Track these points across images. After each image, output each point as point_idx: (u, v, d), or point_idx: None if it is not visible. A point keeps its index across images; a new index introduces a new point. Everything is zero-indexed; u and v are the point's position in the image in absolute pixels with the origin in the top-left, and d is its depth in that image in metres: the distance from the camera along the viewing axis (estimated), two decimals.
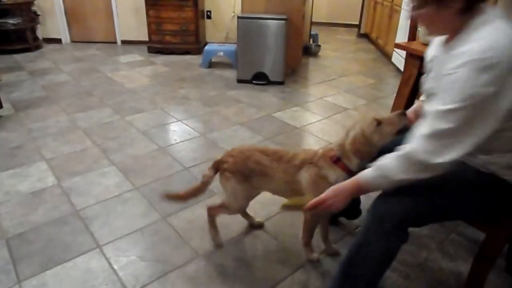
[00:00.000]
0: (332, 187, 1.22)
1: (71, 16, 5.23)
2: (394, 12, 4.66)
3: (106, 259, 1.64)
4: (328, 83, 4.01)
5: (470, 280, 1.36)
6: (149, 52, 4.93)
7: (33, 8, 4.92)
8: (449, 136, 1.00)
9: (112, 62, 4.57)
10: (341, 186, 1.20)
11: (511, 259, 1.60)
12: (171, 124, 2.97)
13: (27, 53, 4.74)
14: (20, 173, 2.24)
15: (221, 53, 4.35)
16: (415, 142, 1.05)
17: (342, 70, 4.53)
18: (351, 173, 1.36)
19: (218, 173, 1.61)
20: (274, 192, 1.64)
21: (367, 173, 1.15)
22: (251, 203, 2.03)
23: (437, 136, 1.02)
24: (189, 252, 1.69)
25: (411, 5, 1.09)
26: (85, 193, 2.06)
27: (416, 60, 1.87)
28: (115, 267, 1.60)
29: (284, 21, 3.60)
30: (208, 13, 5.16)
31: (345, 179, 1.28)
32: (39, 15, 5.00)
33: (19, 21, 4.67)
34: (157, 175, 2.24)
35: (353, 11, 6.59)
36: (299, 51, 4.42)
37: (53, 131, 2.78)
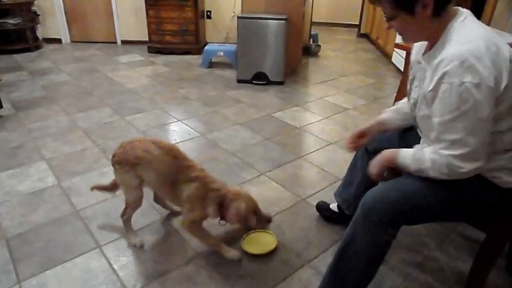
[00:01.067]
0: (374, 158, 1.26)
1: (71, 16, 5.23)
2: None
3: (106, 259, 1.64)
4: (328, 83, 4.01)
5: (470, 280, 1.36)
6: (149, 52, 4.93)
7: (33, 8, 4.92)
8: (462, 145, 1.02)
9: (112, 62, 4.57)
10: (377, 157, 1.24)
11: (511, 259, 1.60)
12: (171, 124, 2.97)
13: (27, 53, 4.74)
14: (20, 173, 2.24)
15: (221, 53, 4.34)
16: (436, 154, 1.07)
17: (342, 70, 4.53)
18: (222, 218, 1.60)
19: (113, 168, 1.66)
20: (152, 185, 1.68)
21: (406, 156, 1.16)
22: None
23: (451, 147, 1.04)
24: (189, 252, 1.68)
25: (384, 16, 1.11)
26: (85, 193, 2.06)
27: None
28: (115, 267, 1.60)
29: (284, 21, 3.60)
30: (208, 13, 5.16)
31: (214, 218, 1.59)
32: (39, 15, 5.00)
33: (19, 21, 4.67)
34: None
35: (353, 11, 6.59)
36: (299, 51, 4.42)
37: (53, 131, 2.78)
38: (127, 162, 1.59)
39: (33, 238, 1.74)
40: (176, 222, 1.87)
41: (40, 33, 5.16)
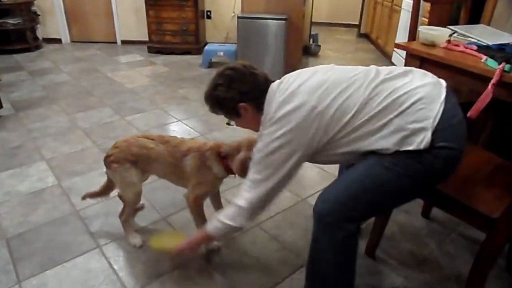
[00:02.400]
0: (186, 240, 1.45)
1: (71, 16, 5.23)
2: (394, 12, 4.66)
3: (106, 259, 1.64)
4: None
5: (470, 280, 1.35)
6: (149, 52, 4.93)
7: (33, 8, 4.92)
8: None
9: (112, 62, 4.57)
10: (192, 239, 1.44)
11: (511, 259, 1.60)
12: (171, 124, 2.97)
13: (27, 53, 4.74)
14: (20, 173, 2.24)
15: (221, 53, 4.35)
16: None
17: None
18: (230, 172, 1.58)
19: (108, 169, 1.67)
20: (160, 175, 1.71)
21: (210, 226, 1.35)
22: None
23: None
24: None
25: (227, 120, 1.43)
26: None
27: (416, 60, 1.87)
28: (115, 267, 1.60)
29: (284, 21, 3.60)
30: (208, 13, 5.16)
31: (224, 176, 1.61)
32: (39, 15, 5.00)
33: (19, 21, 4.67)
34: None
35: (353, 11, 6.59)
36: (299, 51, 4.41)
37: (53, 131, 2.78)
38: (126, 160, 1.61)
39: (33, 238, 1.74)
40: (177, 222, 1.87)
41: (40, 33, 5.16)
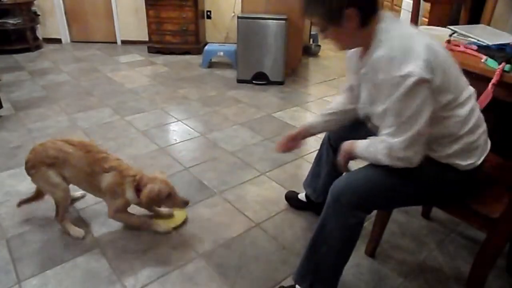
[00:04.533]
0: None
1: (71, 16, 5.23)
2: (394, 12, 4.66)
3: (106, 259, 1.64)
4: (328, 83, 4.01)
5: (470, 280, 1.35)
6: (149, 52, 4.93)
7: (33, 8, 4.92)
8: (403, 131, 1.10)
9: (112, 62, 4.57)
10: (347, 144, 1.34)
11: (511, 259, 1.60)
12: (171, 124, 2.97)
13: (27, 53, 4.74)
14: (20, 173, 2.24)
15: (221, 53, 4.34)
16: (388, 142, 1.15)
17: (342, 70, 4.52)
18: (140, 203, 1.71)
19: (29, 176, 1.71)
20: (74, 181, 1.73)
21: (361, 147, 1.26)
22: (251, 203, 2.03)
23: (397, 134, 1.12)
24: (189, 252, 1.69)
25: (317, 29, 1.21)
26: (85, 193, 2.06)
27: None
28: (115, 267, 1.59)
29: (284, 21, 3.60)
30: (208, 13, 5.16)
31: (135, 203, 1.71)
32: (39, 15, 5.00)
33: (19, 21, 4.67)
34: None
35: None
36: (299, 51, 4.42)
37: (53, 131, 2.78)
38: (43, 163, 1.65)
39: (33, 238, 1.74)
40: None
41: (40, 33, 5.16)
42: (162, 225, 1.79)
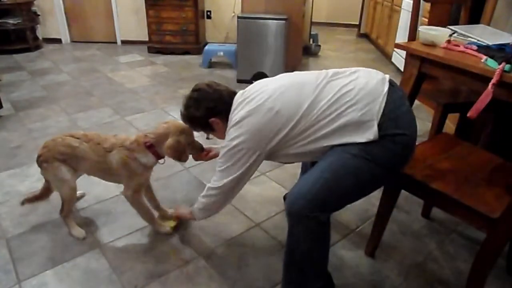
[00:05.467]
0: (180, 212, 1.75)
1: (71, 16, 5.23)
2: (394, 12, 4.66)
3: (106, 259, 1.64)
4: None
5: (470, 280, 1.35)
6: (149, 52, 4.93)
7: (33, 8, 4.92)
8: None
9: (112, 62, 4.57)
10: (182, 215, 1.75)
11: (511, 259, 1.60)
12: None
13: (27, 53, 4.74)
14: (20, 173, 2.24)
15: (221, 53, 4.34)
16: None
17: None
18: (158, 156, 1.64)
19: (40, 168, 1.72)
20: (89, 172, 1.75)
21: (194, 209, 1.58)
22: (251, 202, 2.03)
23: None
24: (189, 252, 1.69)
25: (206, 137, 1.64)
26: (85, 193, 2.06)
27: (416, 60, 1.86)
28: (115, 267, 1.60)
29: (284, 21, 3.60)
30: (208, 13, 5.16)
31: (154, 163, 1.67)
32: (39, 15, 5.00)
33: (19, 21, 4.67)
34: (157, 175, 2.24)
35: (353, 11, 6.59)
36: (299, 51, 4.42)
37: (53, 131, 2.78)
38: (55, 159, 1.66)
39: (33, 238, 1.74)
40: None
41: (40, 33, 5.16)
42: (164, 226, 1.79)
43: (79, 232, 1.75)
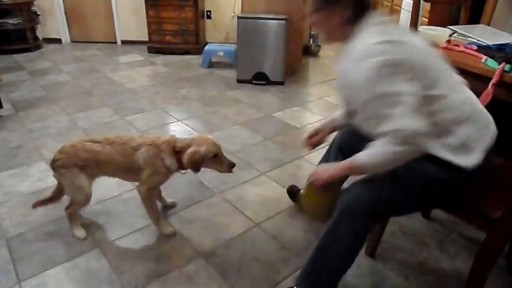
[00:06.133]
0: (323, 164, 1.37)
1: (71, 16, 5.22)
2: (394, 12, 4.66)
3: (106, 259, 1.64)
4: (328, 83, 4.01)
5: (470, 280, 1.35)
6: (149, 52, 4.92)
7: (33, 8, 4.92)
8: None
9: (112, 62, 4.57)
10: (330, 164, 1.35)
11: (511, 259, 1.60)
12: (171, 124, 2.97)
13: (27, 53, 4.73)
14: (20, 173, 2.24)
15: (221, 53, 4.34)
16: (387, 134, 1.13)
17: None
18: (182, 167, 1.63)
19: (54, 172, 1.69)
20: (112, 174, 1.75)
21: (362, 157, 1.19)
22: (251, 203, 2.03)
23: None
24: (189, 252, 1.69)
25: (308, 11, 1.27)
26: None
27: None
28: (115, 267, 1.60)
29: (284, 21, 3.60)
30: (208, 13, 5.16)
31: (176, 170, 1.65)
32: (39, 15, 5.00)
33: (19, 21, 4.66)
34: None
35: None
36: (299, 51, 4.41)
37: (53, 131, 2.78)
38: (75, 165, 1.64)
39: (33, 238, 1.74)
40: (176, 222, 1.87)
41: (40, 33, 5.16)
42: (168, 227, 1.79)
43: (80, 232, 1.75)
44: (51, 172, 2.23)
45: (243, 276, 1.57)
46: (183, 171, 1.68)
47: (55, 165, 1.67)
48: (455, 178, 1.20)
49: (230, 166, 1.64)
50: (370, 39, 1.12)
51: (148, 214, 1.76)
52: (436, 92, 1.14)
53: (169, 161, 1.63)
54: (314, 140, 1.62)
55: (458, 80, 1.25)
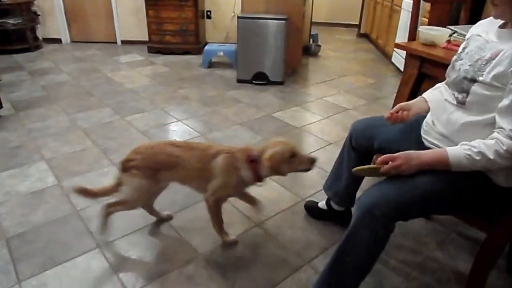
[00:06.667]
0: (405, 152, 1.18)
1: (71, 16, 5.23)
2: (394, 12, 4.66)
3: (106, 259, 1.64)
4: (328, 83, 4.01)
5: (470, 280, 1.36)
6: (149, 52, 4.93)
7: (33, 8, 4.92)
8: None
9: (112, 62, 4.57)
10: (415, 153, 1.18)
11: (511, 259, 1.60)
12: (171, 124, 2.97)
13: (27, 53, 4.74)
14: (20, 173, 2.24)
15: (221, 53, 4.35)
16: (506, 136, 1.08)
17: (342, 70, 4.53)
18: (257, 177, 1.55)
19: (124, 172, 1.61)
20: (183, 181, 1.68)
21: (459, 152, 1.13)
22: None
23: None
24: (189, 252, 1.69)
25: None
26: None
27: (416, 60, 1.87)
28: (115, 267, 1.60)
29: (284, 21, 3.60)
30: (208, 13, 5.16)
31: (250, 182, 1.57)
32: (39, 15, 5.00)
33: (19, 21, 4.67)
34: None
35: (353, 11, 6.59)
36: (299, 51, 4.41)
37: (53, 131, 2.78)
38: (149, 168, 1.58)
39: (33, 238, 1.74)
40: (176, 222, 1.87)
41: (40, 33, 5.16)
42: (230, 237, 1.73)
43: (106, 233, 1.72)
44: (51, 172, 2.25)
45: (243, 276, 1.57)
46: (259, 183, 1.59)
47: (128, 165, 1.58)
48: (483, 188, 1.17)
49: (311, 162, 1.53)
50: None
51: (212, 223, 1.68)
52: None
53: (244, 171, 1.54)
54: (398, 115, 1.42)
55: None
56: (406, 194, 1.16)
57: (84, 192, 1.68)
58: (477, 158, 1.09)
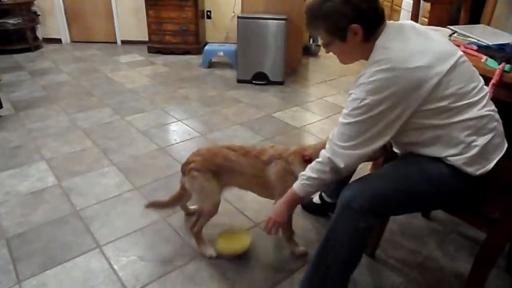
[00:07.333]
0: (273, 207, 1.40)
1: (71, 16, 5.22)
2: (394, 12, 4.66)
3: (106, 259, 1.64)
4: (328, 83, 4.01)
5: (470, 280, 1.35)
6: (149, 52, 4.92)
7: (33, 8, 4.92)
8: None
9: (112, 62, 4.57)
10: (278, 202, 1.39)
11: (511, 259, 1.60)
12: (171, 124, 2.97)
13: (27, 53, 4.74)
14: (20, 173, 2.24)
15: (221, 53, 4.34)
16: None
17: (342, 70, 4.52)
18: None
19: (185, 176, 1.61)
20: (242, 186, 1.66)
21: (298, 184, 1.31)
22: (251, 203, 2.03)
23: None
24: (189, 252, 1.69)
25: (322, 42, 1.24)
26: (85, 193, 2.06)
27: None
28: (115, 267, 1.60)
29: (284, 21, 3.60)
30: (208, 13, 5.16)
31: None
32: (39, 15, 5.00)
33: (19, 21, 4.67)
34: (157, 175, 2.24)
35: None
36: (299, 51, 4.41)
37: (53, 131, 2.78)
38: (209, 170, 1.57)
39: (33, 238, 1.74)
40: (176, 222, 1.87)
41: (40, 33, 5.16)
42: (300, 247, 1.68)
43: (210, 251, 1.65)
44: (51, 172, 2.25)
45: (243, 276, 1.57)
46: None
47: (189, 168, 1.58)
48: (461, 182, 1.18)
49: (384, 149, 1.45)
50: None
51: (282, 232, 1.64)
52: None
53: (299, 172, 1.44)
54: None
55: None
56: (383, 186, 1.19)
57: (157, 205, 1.71)
58: (309, 182, 1.28)
